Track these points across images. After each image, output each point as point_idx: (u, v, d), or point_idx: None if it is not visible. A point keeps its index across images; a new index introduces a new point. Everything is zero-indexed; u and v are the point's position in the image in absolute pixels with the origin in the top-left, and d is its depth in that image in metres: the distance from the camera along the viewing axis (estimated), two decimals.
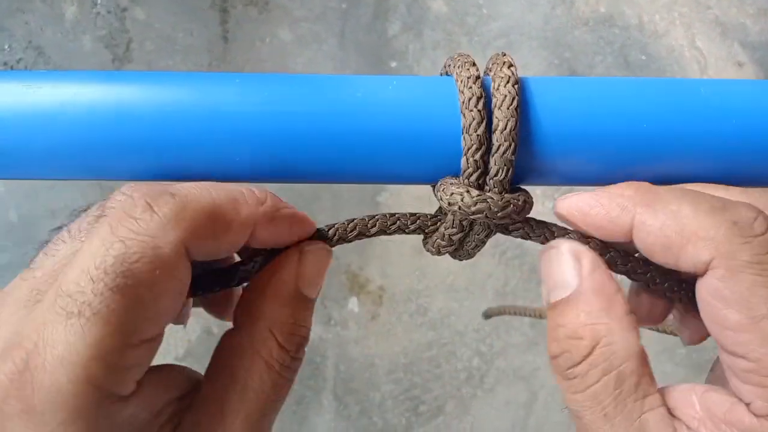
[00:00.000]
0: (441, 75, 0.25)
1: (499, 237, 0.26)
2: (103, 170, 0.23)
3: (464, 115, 0.22)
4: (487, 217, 0.23)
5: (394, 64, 1.31)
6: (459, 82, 0.23)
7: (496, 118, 0.22)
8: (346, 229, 0.24)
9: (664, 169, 0.24)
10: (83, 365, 0.17)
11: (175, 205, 0.19)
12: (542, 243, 0.24)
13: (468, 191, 0.23)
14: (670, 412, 0.20)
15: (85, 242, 0.19)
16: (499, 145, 0.22)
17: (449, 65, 0.25)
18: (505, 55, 0.24)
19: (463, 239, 0.25)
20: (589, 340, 0.20)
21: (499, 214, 0.23)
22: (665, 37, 1.34)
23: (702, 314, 0.20)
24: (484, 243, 0.26)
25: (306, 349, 0.23)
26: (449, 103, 0.23)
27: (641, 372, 0.20)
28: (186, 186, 0.21)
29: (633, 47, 1.32)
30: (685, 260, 0.20)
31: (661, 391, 0.21)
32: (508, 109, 0.22)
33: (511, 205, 0.23)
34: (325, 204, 1.20)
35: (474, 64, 0.24)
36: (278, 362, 0.22)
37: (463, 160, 0.23)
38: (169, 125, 0.22)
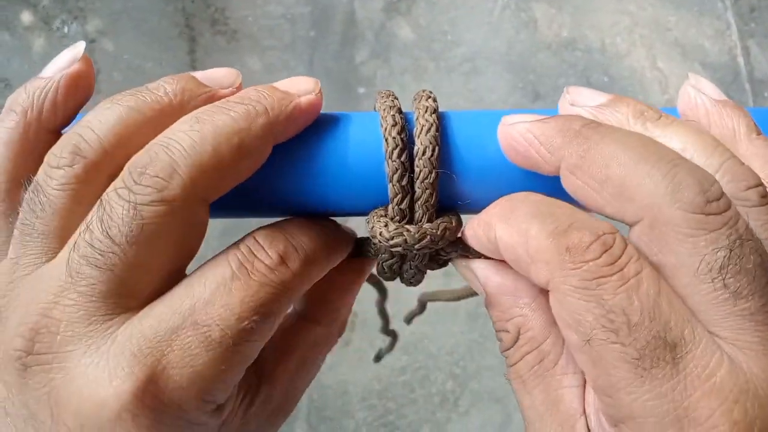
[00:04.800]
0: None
1: None
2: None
3: (387, 141, 0.23)
4: (404, 249, 0.23)
5: (362, 90, 1.33)
6: (382, 110, 0.24)
7: (419, 142, 0.23)
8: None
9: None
10: (211, 388, 0.20)
11: (303, 260, 0.23)
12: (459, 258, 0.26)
13: (387, 225, 0.23)
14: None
15: (214, 272, 0.21)
16: (420, 171, 0.23)
17: (375, 101, 0.26)
18: (429, 92, 0.25)
19: (399, 268, 0.26)
20: (513, 330, 0.23)
21: (416, 246, 0.23)
22: (627, 59, 1.38)
23: None
24: (423, 272, 0.26)
25: None
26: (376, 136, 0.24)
27: (561, 351, 0.22)
28: (298, 235, 0.23)
29: (595, 69, 1.36)
30: (533, 277, 0.20)
31: None
32: (427, 135, 0.23)
33: (428, 237, 0.23)
34: None
35: (396, 98, 0.25)
36: (329, 351, 0.29)
37: (390, 186, 0.23)
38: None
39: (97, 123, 0.21)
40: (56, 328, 0.19)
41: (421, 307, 0.50)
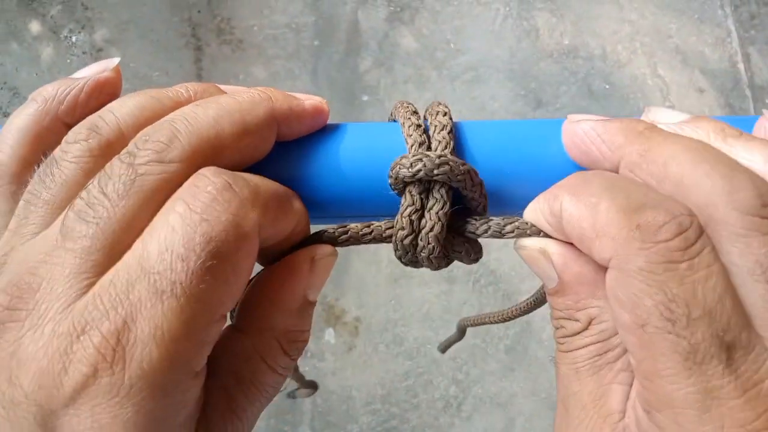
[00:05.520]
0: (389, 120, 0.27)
1: (471, 265, 0.26)
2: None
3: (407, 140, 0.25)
4: (426, 166, 0.23)
5: (365, 98, 1.34)
6: (406, 126, 0.25)
7: (434, 138, 0.25)
8: (358, 233, 0.25)
9: None
10: (175, 343, 0.18)
11: (252, 187, 0.20)
12: (518, 237, 0.24)
13: (406, 155, 0.24)
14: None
15: (160, 216, 0.19)
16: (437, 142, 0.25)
17: (393, 112, 0.27)
18: (443, 105, 0.26)
19: (419, 219, 0.25)
20: (584, 321, 0.22)
21: (437, 162, 0.23)
22: (628, 66, 1.39)
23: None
24: (443, 256, 0.25)
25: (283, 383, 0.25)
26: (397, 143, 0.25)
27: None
28: (247, 174, 0.22)
29: (596, 77, 1.37)
30: (594, 253, 0.20)
31: None
32: (444, 127, 0.25)
33: (449, 159, 0.24)
34: None
35: (416, 111, 0.26)
36: (281, 366, 0.23)
37: (408, 140, 0.25)
38: None
39: (118, 106, 0.22)
40: (38, 285, 0.18)
41: (461, 333, 0.47)
